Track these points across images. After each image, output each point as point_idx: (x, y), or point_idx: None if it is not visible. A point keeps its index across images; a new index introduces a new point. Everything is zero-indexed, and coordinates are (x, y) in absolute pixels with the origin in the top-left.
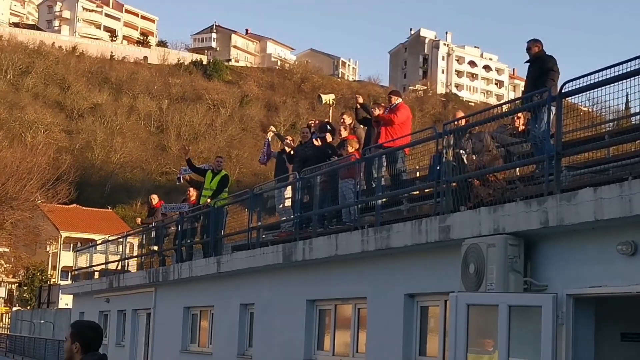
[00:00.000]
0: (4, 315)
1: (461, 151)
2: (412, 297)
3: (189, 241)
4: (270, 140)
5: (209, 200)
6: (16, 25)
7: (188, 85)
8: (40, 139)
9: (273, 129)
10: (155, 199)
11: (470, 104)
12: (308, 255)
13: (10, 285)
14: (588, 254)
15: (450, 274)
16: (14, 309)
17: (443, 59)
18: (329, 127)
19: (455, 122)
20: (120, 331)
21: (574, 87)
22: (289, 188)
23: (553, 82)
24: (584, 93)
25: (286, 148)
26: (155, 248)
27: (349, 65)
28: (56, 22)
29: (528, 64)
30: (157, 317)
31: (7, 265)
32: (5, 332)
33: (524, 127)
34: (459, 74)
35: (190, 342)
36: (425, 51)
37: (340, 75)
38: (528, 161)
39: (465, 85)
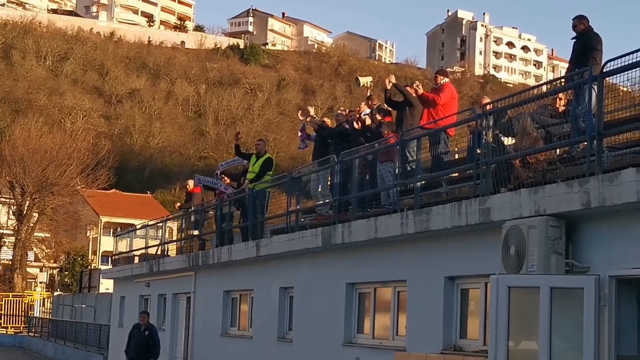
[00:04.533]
0: (46, 300)
1: (499, 133)
2: (452, 280)
3: (228, 225)
4: (306, 123)
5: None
6: (54, 11)
7: (225, 69)
8: (80, 124)
9: (311, 111)
10: (191, 184)
11: (508, 85)
12: (347, 238)
13: (51, 270)
14: (631, 235)
15: (491, 256)
16: (56, 293)
17: (481, 40)
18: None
19: (495, 103)
20: (160, 315)
21: (615, 67)
22: (328, 171)
23: (595, 61)
24: (625, 72)
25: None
26: (195, 232)
27: (386, 47)
28: (94, 8)
29: (574, 40)
30: (197, 301)
31: (49, 250)
32: (47, 317)
33: (564, 107)
34: (497, 55)
35: (230, 326)
36: (463, 32)
37: (377, 58)
38: (569, 142)
39: (504, 66)
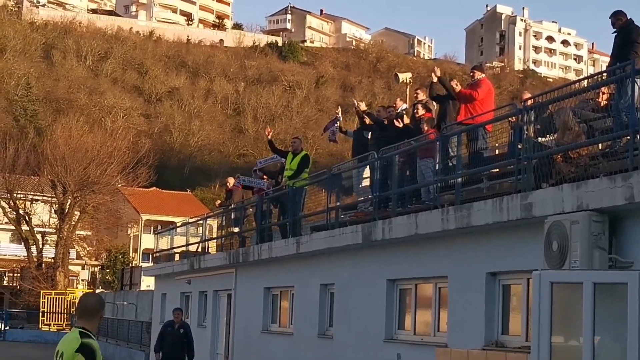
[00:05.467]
0: None
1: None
2: (494, 276)
3: (268, 222)
4: (339, 117)
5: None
6: (94, 11)
7: (264, 67)
8: (120, 123)
9: (359, 105)
10: (231, 181)
11: (548, 79)
12: (387, 234)
13: (93, 268)
14: None
15: (533, 251)
16: (97, 291)
17: (520, 34)
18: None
19: (535, 98)
20: (202, 312)
21: None
22: (367, 168)
23: (637, 54)
24: None
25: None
26: (235, 229)
27: (424, 43)
28: (133, 8)
29: (614, 34)
30: (237, 297)
31: (90, 248)
32: None
33: (606, 102)
34: (537, 49)
35: (271, 323)
36: (502, 27)
37: (415, 54)
38: (611, 136)
39: (543, 61)
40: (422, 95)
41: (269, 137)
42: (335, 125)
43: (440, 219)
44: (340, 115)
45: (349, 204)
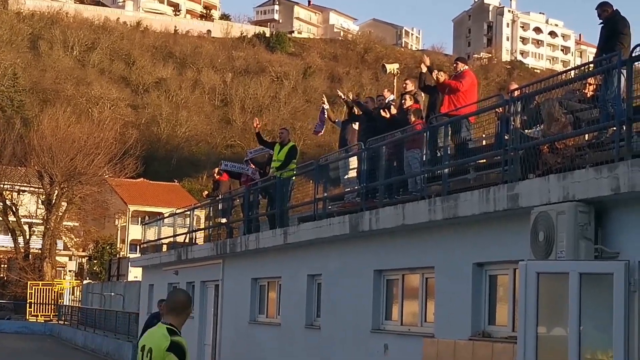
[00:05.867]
0: (75, 288)
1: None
2: (481, 266)
3: (255, 213)
4: (327, 108)
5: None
6: (81, 2)
7: (251, 58)
8: (107, 114)
9: (347, 95)
10: (216, 171)
11: (536, 71)
12: (375, 225)
13: (80, 259)
14: None
15: (519, 242)
16: (85, 282)
17: (508, 25)
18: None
19: (522, 89)
20: None
21: None
22: (354, 159)
23: (623, 45)
24: None
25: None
26: (223, 220)
27: (412, 34)
28: None
29: (601, 25)
30: (225, 288)
31: (77, 239)
32: (77, 305)
33: (593, 93)
34: (524, 40)
35: (258, 313)
36: (490, 18)
37: (403, 45)
38: (598, 127)
39: (531, 52)
40: (410, 86)
41: (258, 129)
42: (324, 114)
43: (427, 210)
44: (326, 104)
45: (337, 195)
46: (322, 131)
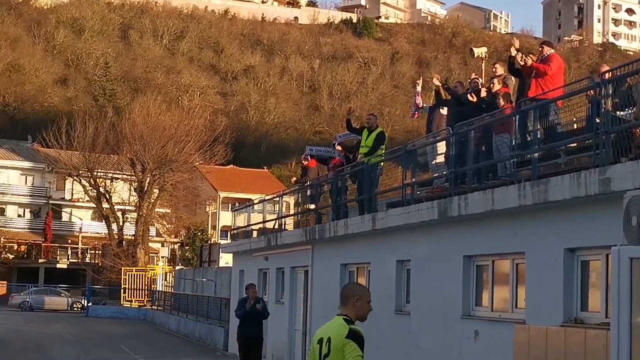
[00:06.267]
0: (168, 274)
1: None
2: (572, 252)
3: (344, 199)
4: (419, 92)
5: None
6: None
7: (339, 44)
8: (197, 102)
9: (439, 79)
10: (309, 157)
11: (628, 52)
12: (463, 210)
13: (172, 245)
14: None
15: (612, 227)
16: (177, 267)
17: (599, 7)
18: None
19: (614, 71)
20: (279, 289)
21: None
22: (443, 144)
23: None
24: None
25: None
26: (311, 206)
27: (500, 17)
28: None
29: None
30: (314, 274)
31: (169, 225)
32: (170, 291)
33: None
34: (616, 22)
35: None
36: (580, 0)
37: (492, 29)
38: None
39: (623, 33)
40: (500, 70)
41: (350, 116)
42: (418, 97)
43: (517, 195)
44: (419, 88)
45: (425, 180)
46: (419, 114)
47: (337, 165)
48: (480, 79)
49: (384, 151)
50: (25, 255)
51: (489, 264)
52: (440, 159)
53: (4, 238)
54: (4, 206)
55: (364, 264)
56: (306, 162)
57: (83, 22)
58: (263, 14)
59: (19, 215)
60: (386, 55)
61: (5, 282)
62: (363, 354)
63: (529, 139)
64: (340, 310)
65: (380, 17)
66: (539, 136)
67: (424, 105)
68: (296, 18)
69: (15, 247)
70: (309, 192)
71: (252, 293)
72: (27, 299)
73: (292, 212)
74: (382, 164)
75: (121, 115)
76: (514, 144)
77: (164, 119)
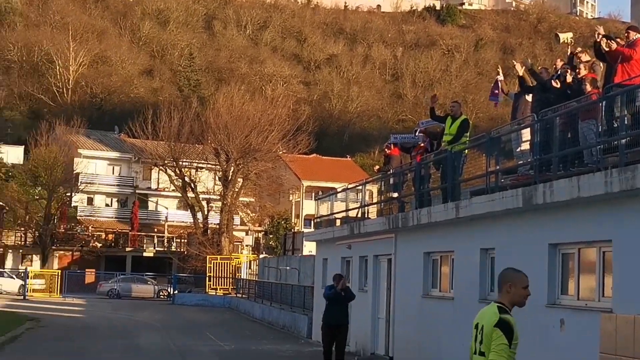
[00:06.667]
0: (252, 262)
1: None
2: None
3: (427, 187)
4: (501, 79)
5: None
6: None
7: (422, 31)
8: (280, 91)
9: (517, 67)
10: (391, 146)
11: None
12: (549, 198)
13: (256, 234)
14: None
15: None
16: (261, 256)
17: None
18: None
19: None
20: (362, 277)
21: None
22: (527, 131)
23: None
24: None
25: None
26: (394, 194)
27: (587, 2)
28: None
29: None
30: (398, 262)
31: (253, 214)
32: (254, 279)
33: None
34: None
35: (431, 287)
36: None
37: (578, 13)
38: None
39: None
40: (586, 56)
41: (434, 103)
42: (498, 86)
43: (603, 182)
44: (501, 75)
45: (509, 168)
46: (499, 102)
47: (421, 150)
48: (568, 66)
49: (467, 139)
50: (113, 244)
51: (575, 252)
52: (525, 146)
53: (92, 227)
54: (92, 196)
55: (448, 253)
56: (389, 151)
57: (168, 13)
58: (346, 3)
59: (107, 205)
60: (470, 42)
61: (94, 270)
62: (511, 344)
63: (615, 125)
64: (497, 298)
65: (463, 3)
66: (626, 122)
67: (509, 91)
68: (379, 6)
69: (103, 235)
70: (391, 181)
71: (339, 284)
72: (115, 287)
73: (375, 200)
74: (466, 151)
75: (205, 105)
76: (600, 130)
77: (247, 108)
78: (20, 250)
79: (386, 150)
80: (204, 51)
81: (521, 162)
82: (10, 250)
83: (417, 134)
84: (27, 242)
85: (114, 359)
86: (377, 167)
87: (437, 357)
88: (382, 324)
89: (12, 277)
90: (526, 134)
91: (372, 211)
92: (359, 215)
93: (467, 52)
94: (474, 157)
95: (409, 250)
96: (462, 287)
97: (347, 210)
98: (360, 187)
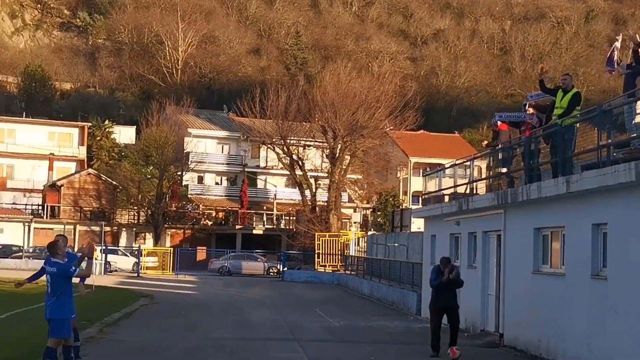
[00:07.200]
0: (360, 239)
1: None
2: None
3: (537, 162)
4: (618, 47)
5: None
6: None
7: (530, 4)
8: (386, 67)
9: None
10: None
11: None
12: None
13: (364, 211)
14: None
15: None
16: (369, 233)
17: None
18: None
19: None
20: (471, 253)
21: None
22: None
23: None
24: None
25: None
26: (503, 170)
27: None
28: None
29: None
30: (507, 238)
31: (361, 191)
32: (362, 256)
33: None
34: None
35: (542, 263)
36: None
37: None
38: None
39: None
40: None
41: (542, 75)
42: (614, 53)
43: None
44: (619, 43)
45: (622, 141)
46: (615, 70)
47: (530, 125)
48: None
49: (578, 112)
50: (223, 222)
51: None
52: (639, 119)
53: (203, 205)
54: (202, 174)
55: (558, 228)
56: (498, 126)
57: None
58: None
59: (217, 183)
60: (580, 14)
61: (205, 247)
62: None
63: None
64: None
65: None
66: None
67: (621, 61)
68: None
69: (214, 214)
70: (500, 156)
71: (448, 273)
72: (226, 264)
73: (483, 176)
74: (577, 125)
75: (312, 83)
76: None
77: (354, 85)
78: (134, 229)
79: (495, 125)
80: (310, 29)
81: (634, 135)
82: (124, 229)
83: (526, 107)
84: (140, 221)
85: (225, 334)
86: (486, 142)
87: (548, 333)
88: (491, 301)
89: (126, 255)
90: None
91: (481, 187)
92: (468, 191)
93: (578, 24)
94: (585, 130)
95: (519, 225)
96: (573, 263)
97: (455, 186)
98: (468, 163)
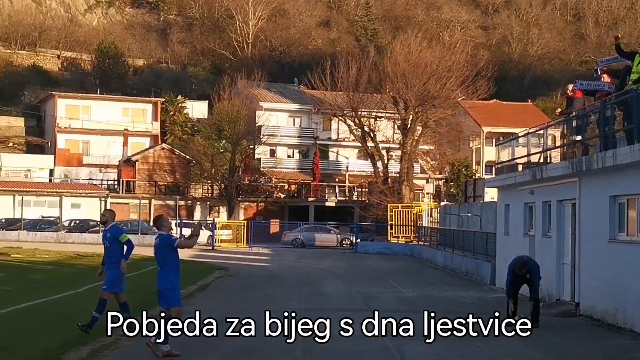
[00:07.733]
0: (433, 210)
1: None
2: None
3: (612, 129)
4: None
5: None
6: None
7: None
8: (457, 37)
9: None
10: (570, 87)
11: None
12: None
13: (437, 181)
14: None
15: None
16: (442, 203)
17: None
18: None
19: None
20: (546, 222)
21: None
22: None
23: None
24: None
25: None
26: (577, 137)
27: None
28: None
29: None
30: (582, 207)
31: (433, 162)
32: (435, 226)
33: None
34: None
35: (618, 232)
36: None
37: None
38: None
39: None
40: None
41: (618, 41)
42: None
43: None
44: None
45: None
46: None
47: (604, 96)
48: None
49: None
50: (295, 195)
51: None
52: None
53: (275, 178)
54: (274, 147)
55: (635, 196)
56: (571, 93)
57: None
58: None
59: (289, 156)
60: None
61: (278, 220)
62: None
63: None
64: None
65: None
66: None
67: None
68: None
69: (286, 186)
70: (574, 123)
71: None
72: (299, 236)
73: (557, 144)
74: None
75: (383, 54)
76: None
77: (425, 55)
78: (208, 202)
79: (568, 92)
80: (381, 0)
81: None
82: (199, 203)
83: (598, 72)
84: (214, 194)
85: (300, 304)
86: (559, 110)
87: (625, 302)
88: (567, 270)
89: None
90: None
91: (555, 155)
92: (541, 160)
93: None
94: None
95: (594, 194)
96: None
97: (528, 155)
98: (542, 132)
